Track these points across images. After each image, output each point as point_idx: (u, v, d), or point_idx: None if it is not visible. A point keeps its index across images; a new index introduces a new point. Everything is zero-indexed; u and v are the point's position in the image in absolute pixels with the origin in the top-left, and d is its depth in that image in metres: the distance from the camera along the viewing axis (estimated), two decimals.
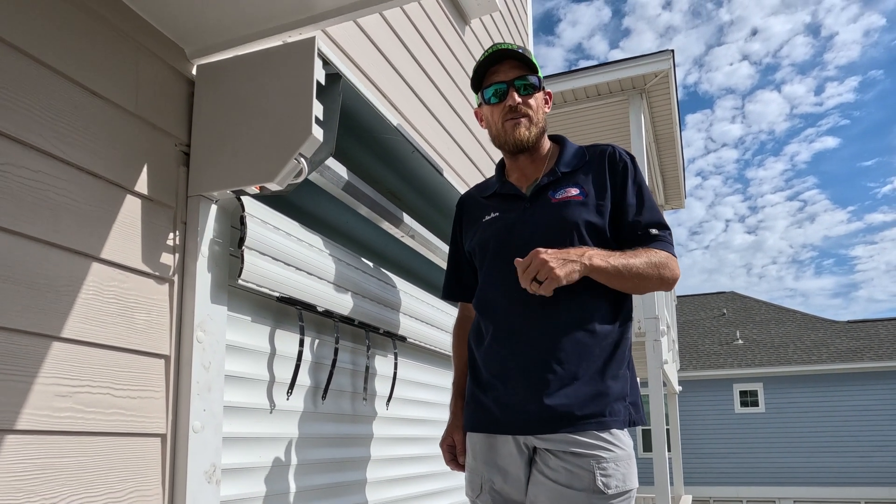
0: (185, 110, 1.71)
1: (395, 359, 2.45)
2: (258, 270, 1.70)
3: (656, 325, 8.78)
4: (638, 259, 1.81)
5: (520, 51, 1.94)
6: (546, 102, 2.04)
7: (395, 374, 2.44)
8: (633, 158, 1.99)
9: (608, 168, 1.95)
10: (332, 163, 1.97)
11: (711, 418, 20.33)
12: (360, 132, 2.13)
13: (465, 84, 3.81)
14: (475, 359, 1.98)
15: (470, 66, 3.96)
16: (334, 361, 2.05)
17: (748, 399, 20.13)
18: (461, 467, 2.06)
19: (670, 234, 1.93)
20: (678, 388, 13.67)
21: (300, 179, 1.64)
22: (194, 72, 1.75)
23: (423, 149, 2.38)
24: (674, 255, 1.90)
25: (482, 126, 2.07)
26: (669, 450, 13.29)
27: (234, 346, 1.73)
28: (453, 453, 2.08)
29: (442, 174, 2.59)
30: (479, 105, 2.05)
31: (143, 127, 1.57)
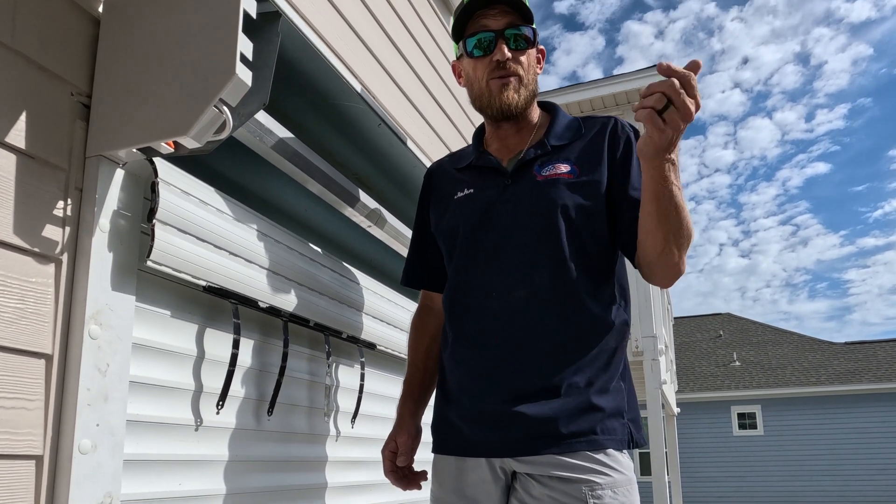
0: (88, 55, 1.39)
1: (362, 369, 2.10)
2: (174, 251, 1.36)
3: (654, 343, 8.43)
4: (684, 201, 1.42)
5: None
6: (539, 62, 1.69)
7: (361, 386, 2.09)
8: (637, 132, 1.65)
9: (608, 142, 1.61)
10: (277, 128, 1.65)
11: (709, 441, 19.89)
12: (314, 96, 1.80)
13: (444, 68, 3.50)
14: (443, 366, 1.64)
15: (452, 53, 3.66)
16: (282, 369, 1.70)
17: (746, 422, 19.72)
18: (402, 480, 1.71)
19: None
20: (676, 410, 13.29)
21: (224, 135, 1.31)
22: (101, 9, 1.42)
23: (392, 123, 2.05)
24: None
25: (460, 83, 1.71)
26: (668, 473, 12.88)
27: (146, 346, 1.39)
28: (394, 460, 1.72)
29: (418, 158, 2.26)
30: (459, 57, 1.68)
31: (24, 67, 1.24)
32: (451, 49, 3.63)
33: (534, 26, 1.61)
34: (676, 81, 1.20)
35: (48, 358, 1.20)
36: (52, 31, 1.30)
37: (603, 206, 1.54)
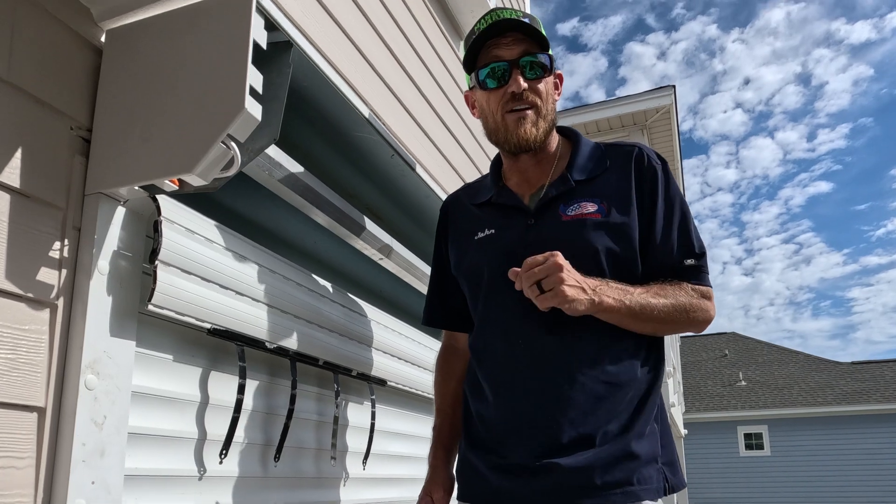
0: (89, 86, 1.32)
1: (373, 406, 2.01)
2: (177, 293, 1.28)
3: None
4: (662, 299, 1.40)
5: (525, 20, 1.46)
6: (556, 87, 1.58)
7: (372, 424, 2.00)
8: (665, 164, 1.55)
9: (634, 175, 1.51)
10: (286, 160, 1.57)
11: (716, 462, 19.65)
12: (325, 128, 1.73)
13: (458, 99, 3.43)
14: (469, 412, 1.55)
15: (464, 81, 3.59)
16: (291, 412, 1.61)
17: (753, 442, 19.48)
18: None
19: (707, 262, 1.51)
20: (684, 432, 13.12)
21: (231, 172, 1.24)
22: (103, 38, 1.35)
23: (405, 153, 1.97)
24: (709, 288, 1.49)
25: (474, 114, 1.61)
26: (676, 495, 12.68)
27: (146, 394, 1.30)
28: None
29: (432, 189, 2.18)
30: (471, 88, 1.57)
31: (21, 100, 1.17)
32: (462, 77, 3.57)
33: (550, 53, 1.50)
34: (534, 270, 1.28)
35: (41, 411, 1.11)
36: (51, 62, 1.23)
37: (634, 250, 1.46)
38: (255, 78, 1.22)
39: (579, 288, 1.29)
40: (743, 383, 21.20)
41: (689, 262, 1.48)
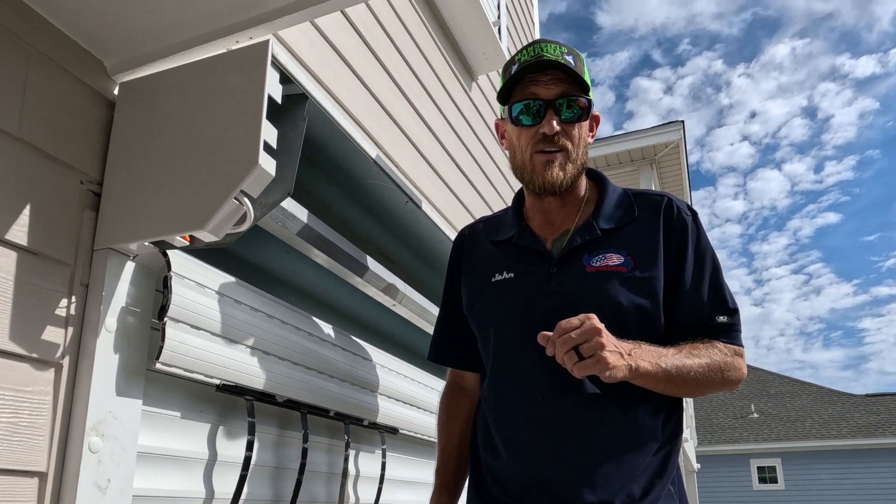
0: (100, 140, 1.29)
1: (384, 456, 1.95)
2: (186, 350, 1.24)
3: None
4: (697, 359, 1.31)
5: (569, 58, 1.40)
6: (591, 130, 1.51)
7: (382, 474, 1.94)
8: (695, 215, 1.48)
9: (663, 227, 1.44)
10: (298, 210, 1.53)
11: (730, 495, 19.27)
12: (339, 175, 1.70)
13: (470, 139, 3.41)
14: (480, 465, 1.48)
15: (477, 123, 3.57)
16: (303, 466, 1.56)
17: (766, 475, 19.11)
18: None
19: (739, 319, 1.43)
20: (696, 466, 12.88)
21: (244, 227, 1.20)
22: (116, 91, 1.33)
23: (418, 199, 1.93)
24: (742, 347, 1.41)
25: (502, 145, 1.54)
26: None
27: (152, 454, 1.25)
28: None
29: (445, 233, 2.14)
30: (502, 118, 1.51)
31: (30, 157, 1.14)
32: (473, 116, 3.55)
33: (590, 96, 1.43)
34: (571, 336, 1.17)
35: (42, 476, 1.07)
36: (63, 117, 1.21)
37: (659, 306, 1.38)
38: (269, 133, 1.19)
39: (618, 353, 1.19)
40: (755, 415, 20.87)
41: (722, 319, 1.39)
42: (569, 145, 1.42)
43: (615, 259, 1.39)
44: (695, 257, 1.42)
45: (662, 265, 1.40)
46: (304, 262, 1.77)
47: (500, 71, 1.47)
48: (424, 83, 2.82)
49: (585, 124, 1.46)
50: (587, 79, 1.42)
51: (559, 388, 1.34)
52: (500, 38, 3.72)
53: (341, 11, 2.13)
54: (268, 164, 1.16)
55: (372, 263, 1.81)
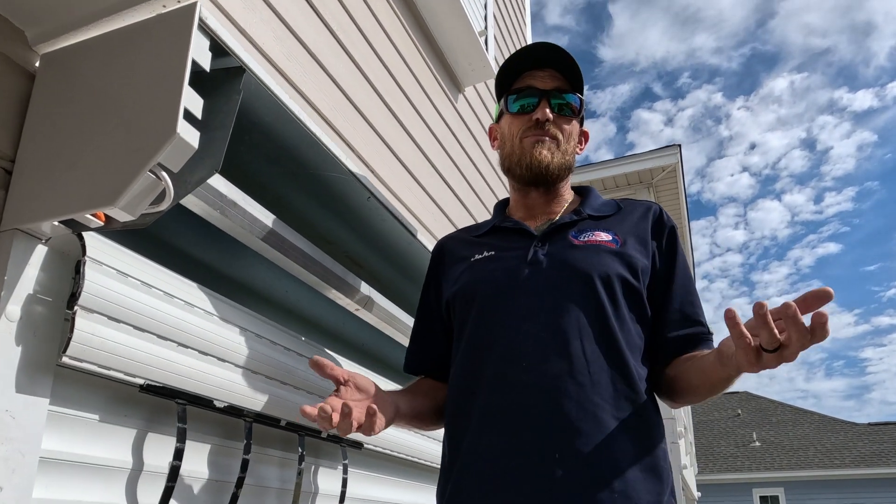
0: (16, 114, 1.17)
1: (345, 472, 1.79)
2: (101, 344, 1.10)
3: (673, 426, 7.96)
4: None
5: (567, 54, 1.43)
6: (581, 139, 1.52)
7: (343, 492, 1.78)
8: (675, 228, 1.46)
9: (652, 227, 1.41)
10: (247, 203, 1.40)
11: None
12: (295, 167, 1.56)
13: (455, 151, 3.29)
14: (455, 453, 1.31)
15: (462, 133, 3.46)
16: (241, 480, 1.40)
17: None
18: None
19: None
20: (697, 495, 12.57)
21: (164, 206, 1.07)
22: (37, 64, 1.21)
23: (386, 200, 1.80)
24: None
25: (493, 146, 1.56)
26: None
27: (62, 461, 1.11)
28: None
29: (415, 235, 2.00)
30: (498, 119, 1.53)
31: None
32: (456, 123, 3.44)
33: (581, 97, 1.46)
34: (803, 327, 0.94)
35: None
36: None
37: (644, 289, 1.33)
38: (192, 101, 1.06)
39: None
40: (757, 444, 20.50)
41: (706, 330, 1.37)
42: (559, 135, 1.42)
43: (603, 236, 1.35)
44: (682, 265, 1.40)
45: (650, 257, 1.36)
46: (259, 260, 1.63)
47: (497, 72, 1.49)
48: (405, 89, 2.71)
49: (576, 125, 1.47)
50: (583, 83, 1.45)
51: (548, 354, 1.23)
52: (486, 49, 3.63)
53: (311, 7, 2.03)
54: (189, 134, 1.02)
55: (329, 261, 1.68)
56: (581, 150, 1.51)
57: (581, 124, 1.51)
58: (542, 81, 1.43)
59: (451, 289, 1.44)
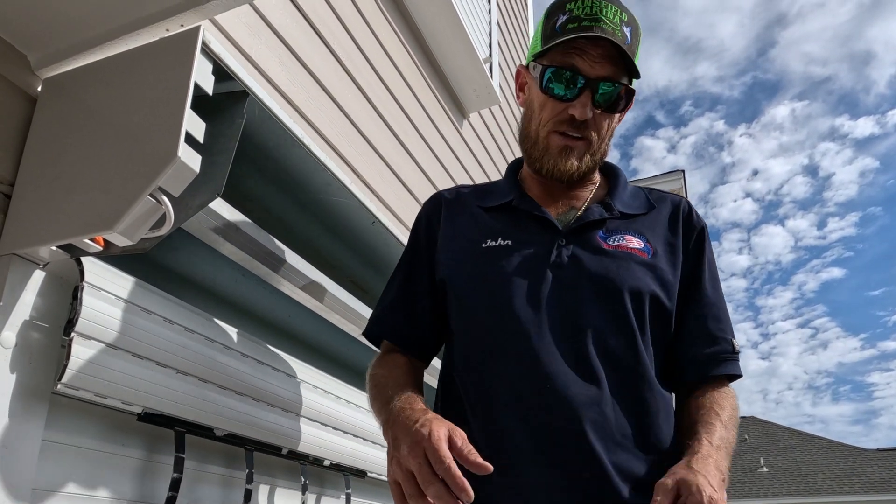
0: (17, 138, 1.15)
1: (348, 501, 1.74)
2: (97, 371, 1.07)
3: None
4: (729, 425, 1.11)
5: (626, 31, 1.15)
6: (620, 120, 1.27)
7: None
8: (706, 226, 1.30)
9: (682, 227, 1.25)
10: (249, 228, 1.37)
11: None
12: (299, 192, 1.54)
13: (458, 173, 3.27)
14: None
15: (468, 159, 3.45)
16: None
17: None
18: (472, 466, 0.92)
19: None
20: None
21: (164, 230, 1.05)
22: (39, 88, 1.19)
23: (390, 225, 1.77)
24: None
25: (518, 98, 1.30)
26: None
27: (56, 492, 1.07)
28: (447, 460, 0.90)
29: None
30: (527, 65, 1.25)
31: None
32: (461, 149, 3.42)
33: (633, 86, 1.19)
34: None
35: None
36: None
37: (674, 306, 1.18)
38: (194, 125, 1.05)
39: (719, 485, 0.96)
40: (764, 469, 20.18)
41: (730, 348, 1.20)
42: (594, 136, 1.20)
43: (635, 242, 1.18)
44: (710, 270, 1.24)
45: (681, 270, 1.21)
46: (262, 285, 1.60)
47: (547, 10, 1.22)
48: (410, 115, 2.70)
49: (619, 116, 1.23)
50: (637, 59, 1.18)
51: (578, 379, 1.07)
52: (491, 76, 3.62)
53: (318, 34, 2.03)
54: (190, 158, 1.00)
55: (332, 286, 1.65)
56: (618, 121, 1.26)
57: (628, 106, 1.23)
58: (591, 65, 1.14)
59: (452, 269, 1.22)
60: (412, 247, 1.33)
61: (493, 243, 1.19)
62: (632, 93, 1.19)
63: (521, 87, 1.30)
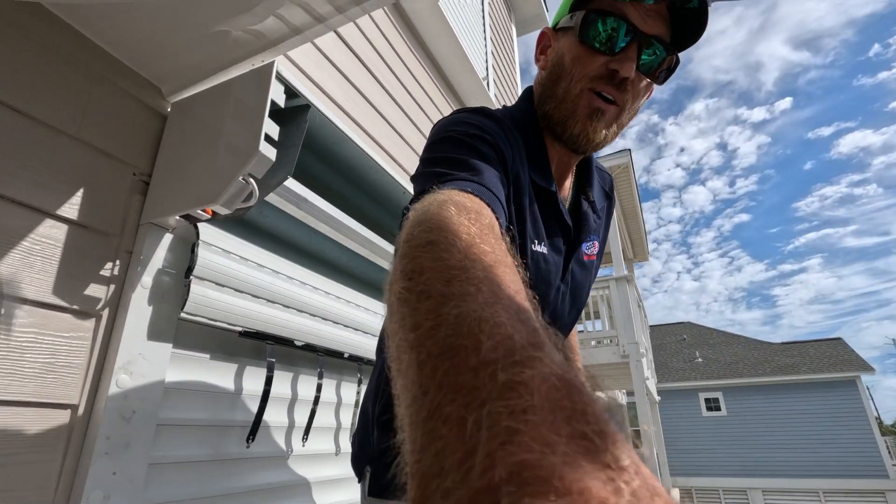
0: (153, 143, 1.14)
1: None
2: (209, 303, 1.09)
3: (637, 348, 7.83)
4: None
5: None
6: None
7: None
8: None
9: (607, 213, 0.96)
10: (314, 198, 1.36)
11: (684, 422, 18.65)
12: (350, 173, 1.52)
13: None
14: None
15: None
16: (317, 398, 1.40)
17: (712, 405, 18.44)
18: None
19: None
20: (657, 398, 12.45)
21: (251, 202, 1.04)
22: (169, 109, 1.18)
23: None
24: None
25: (537, 60, 0.84)
26: (655, 447, 12.02)
27: (181, 389, 1.11)
28: None
29: None
30: (556, 27, 0.80)
31: (86, 153, 1.00)
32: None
33: (679, 56, 0.76)
34: None
35: (73, 409, 0.93)
36: (119, 125, 1.07)
37: None
38: (271, 128, 1.03)
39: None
40: (700, 360, 20.18)
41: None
42: (628, 103, 0.76)
43: (595, 247, 0.91)
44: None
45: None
46: (327, 240, 1.61)
47: None
48: (431, 118, 2.64)
49: (653, 87, 0.79)
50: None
51: None
52: (488, 89, 3.51)
53: (363, 64, 1.97)
54: (268, 151, 0.99)
55: (378, 239, 1.65)
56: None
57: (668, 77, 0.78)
58: (645, 20, 0.72)
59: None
60: (496, 156, 0.72)
61: (537, 248, 0.81)
62: (678, 63, 0.76)
63: (542, 51, 0.83)
